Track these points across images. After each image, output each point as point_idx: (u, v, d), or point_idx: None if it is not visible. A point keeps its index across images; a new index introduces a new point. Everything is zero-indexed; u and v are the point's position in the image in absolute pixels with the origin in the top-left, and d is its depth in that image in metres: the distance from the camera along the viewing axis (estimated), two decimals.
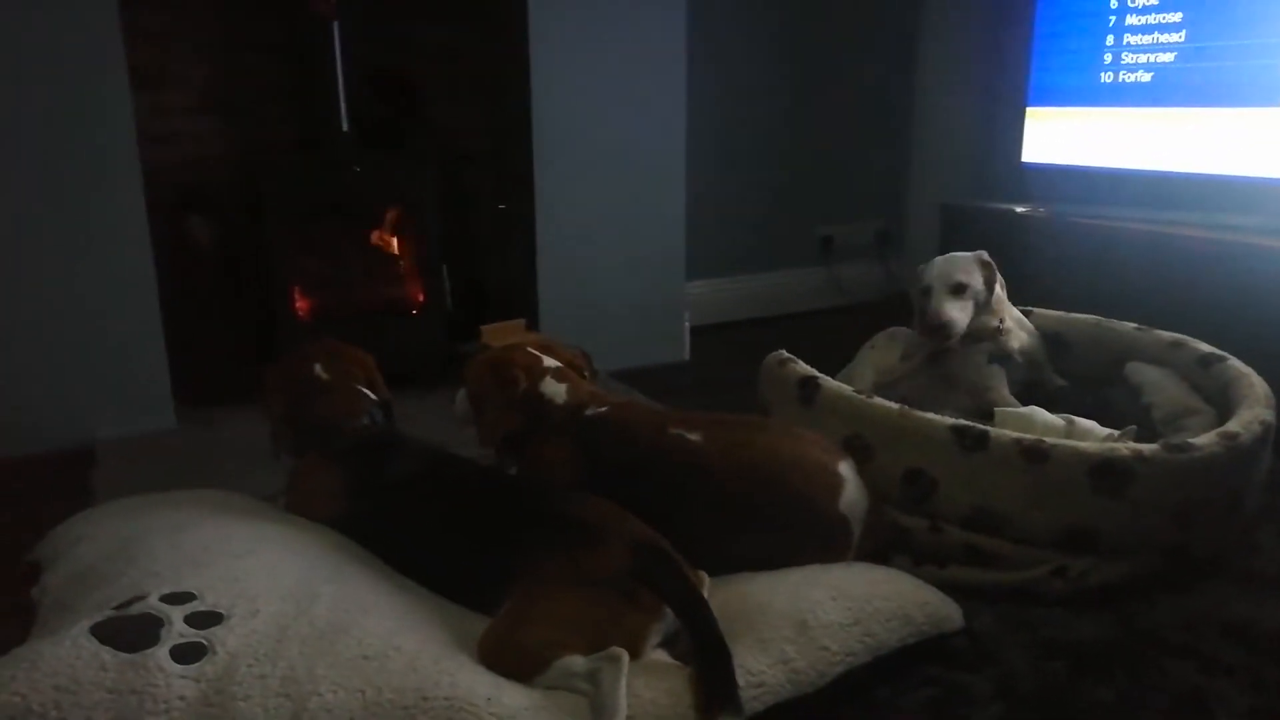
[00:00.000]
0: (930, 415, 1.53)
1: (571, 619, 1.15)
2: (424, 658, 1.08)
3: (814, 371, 1.71)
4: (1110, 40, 2.86)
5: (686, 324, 3.24)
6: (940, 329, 1.87)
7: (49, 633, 1.03)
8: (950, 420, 1.50)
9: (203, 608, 1.06)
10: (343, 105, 2.73)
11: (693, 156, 3.14)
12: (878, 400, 1.59)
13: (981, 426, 1.49)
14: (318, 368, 1.50)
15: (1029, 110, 3.12)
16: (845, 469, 1.46)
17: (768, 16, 3.58)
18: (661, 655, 1.19)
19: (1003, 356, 1.92)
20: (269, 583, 1.14)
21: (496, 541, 1.28)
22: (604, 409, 1.59)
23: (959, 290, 1.89)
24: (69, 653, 0.94)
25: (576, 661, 1.11)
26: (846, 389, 1.64)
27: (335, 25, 2.70)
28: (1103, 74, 2.88)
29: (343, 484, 1.42)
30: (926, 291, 1.91)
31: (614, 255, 3.06)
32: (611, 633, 1.14)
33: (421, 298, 2.88)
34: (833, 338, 2.35)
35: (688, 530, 1.34)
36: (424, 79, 2.98)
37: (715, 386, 2.96)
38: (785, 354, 1.82)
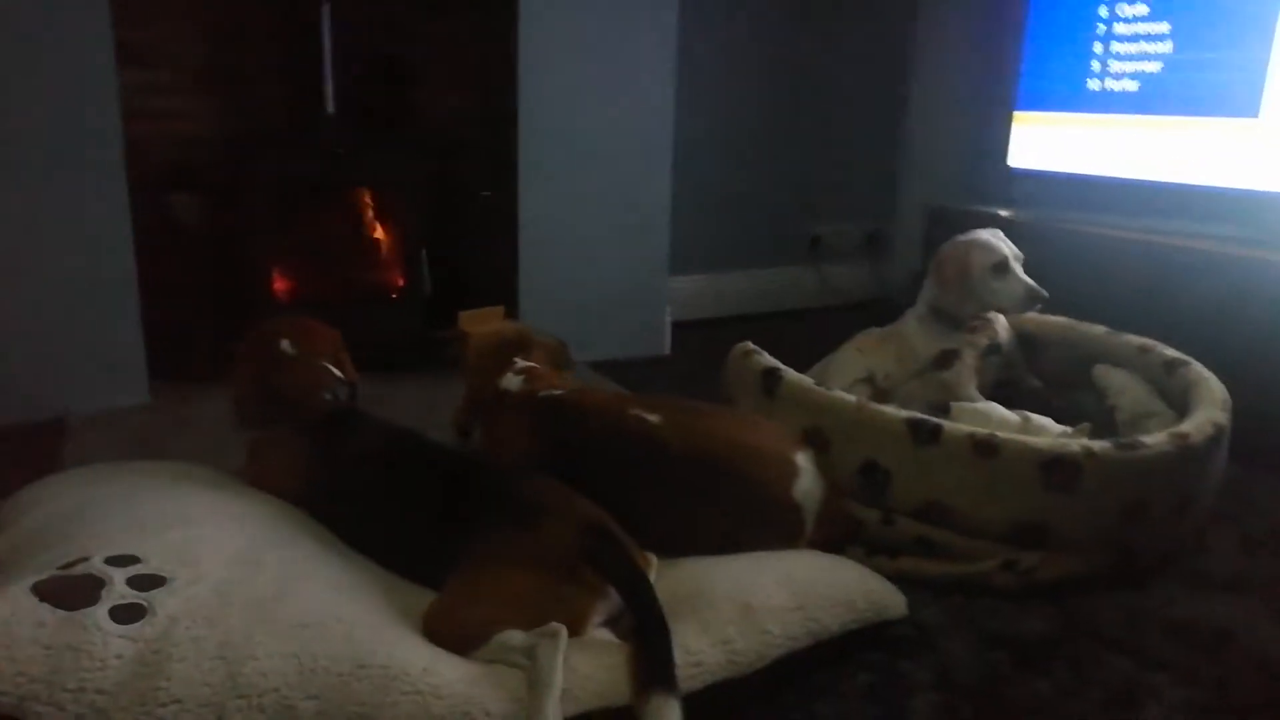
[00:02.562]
0: (887, 408, 1.55)
1: (513, 595, 1.16)
2: (362, 627, 1.09)
3: (777, 363, 1.73)
4: (1099, 48, 2.88)
5: (668, 318, 3.25)
6: (1040, 297, 1.91)
7: None
8: (905, 413, 1.52)
9: (146, 570, 1.07)
10: (330, 87, 2.74)
11: (683, 151, 3.15)
12: (837, 393, 1.60)
13: (936, 420, 1.50)
14: (285, 343, 1.51)
15: (1016, 115, 3.14)
16: (801, 458, 1.48)
17: (761, 14, 3.59)
18: (604, 634, 1.20)
19: (994, 348, 1.94)
20: (216, 550, 1.15)
21: (446, 518, 1.29)
22: (559, 391, 1.62)
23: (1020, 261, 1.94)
24: (6, 607, 0.95)
25: (515, 636, 1.12)
26: (808, 381, 1.66)
27: (326, 7, 2.71)
28: (1090, 81, 2.90)
29: (302, 458, 1.43)
30: (1000, 267, 1.92)
31: (597, 246, 3.06)
32: (553, 610, 1.15)
33: (401, 282, 2.89)
34: (818, 337, 2.36)
35: (641, 510, 1.35)
36: (416, 65, 2.99)
37: (693, 381, 2.96)
38: (750, 345, 1.83)
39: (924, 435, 1.48)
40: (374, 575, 1.26)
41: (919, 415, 1.52)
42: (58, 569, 1.05)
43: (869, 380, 2.02)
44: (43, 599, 0.98)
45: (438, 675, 1.05)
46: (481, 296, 3.05)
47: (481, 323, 3.01)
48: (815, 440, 1.56)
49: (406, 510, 1.35)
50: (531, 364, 1.71)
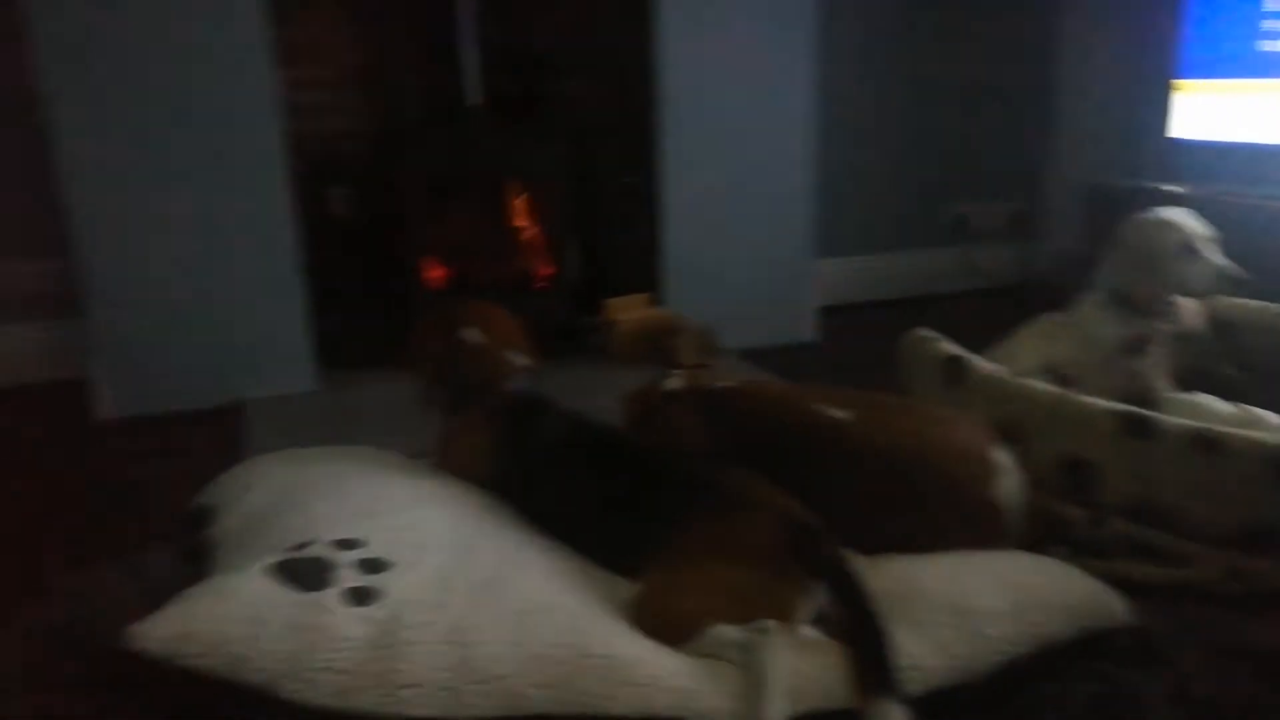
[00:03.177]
0: (1091, 399, 1.47)
1: (724, 589, 1.14)
2: (581, 617, 1.09)
3: (960, 350, 1.66)
4: (1269, 4, 2.67)
5: (814, 303, 3.19)
6: (1237, 279, 1.79)
7: (230, 570, 1.07)
8: (1114, 405, 1.43)
9: (369, 554, 1.09)
10: (472, 79, 2.77)
11: (825, 131, 3.08)
12: (1033, 383, 1.53)
13: (1147, 413, 1.41)
14: (470, 330, 1.52)
15: (1178, 83, 2.94)
16: (1000, 455, 1.41)
17: None
18: (810, 632, 1.17)
19: (1185, 334, 1.82)
20: (431, 535, 1.17)
21: (645, 508, 1.28)
22: (730, 382, 1.59)
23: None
24: (254, 587, 0.99)
25: (729, 630, 1.10)
26: (997, 369, 1.59)
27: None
28: (1260, 43, 2.69)
29: (492, 445, 1.44)
30: (1190, 247, 1.80)
31: (741, 231, 3.02)
32: (762, 604, 1.13)
33: (548, 271, 2.91)
34: (964, 321, 2.27)
35: (827, 509, 1.31)
36: (555, 52, 3.00)
37: (843, 368, 2.90)
38: (927, 331, 1.77)
39: (1136, 429, 1.39)
40: (574, 563, 1.26)
41: (1128, 407, 1.43)
42: (288, 550, 1.08)
43: (1050, 369, 1.93)
44: (282, 580, 1.01)
45: (658, 668, 1.04)
46: (624, 284, 3.05)
47: (628, 310, 3.02)
48: (1008, 433, 1.49)
49: (600, 498, 1.34)
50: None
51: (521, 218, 2.96)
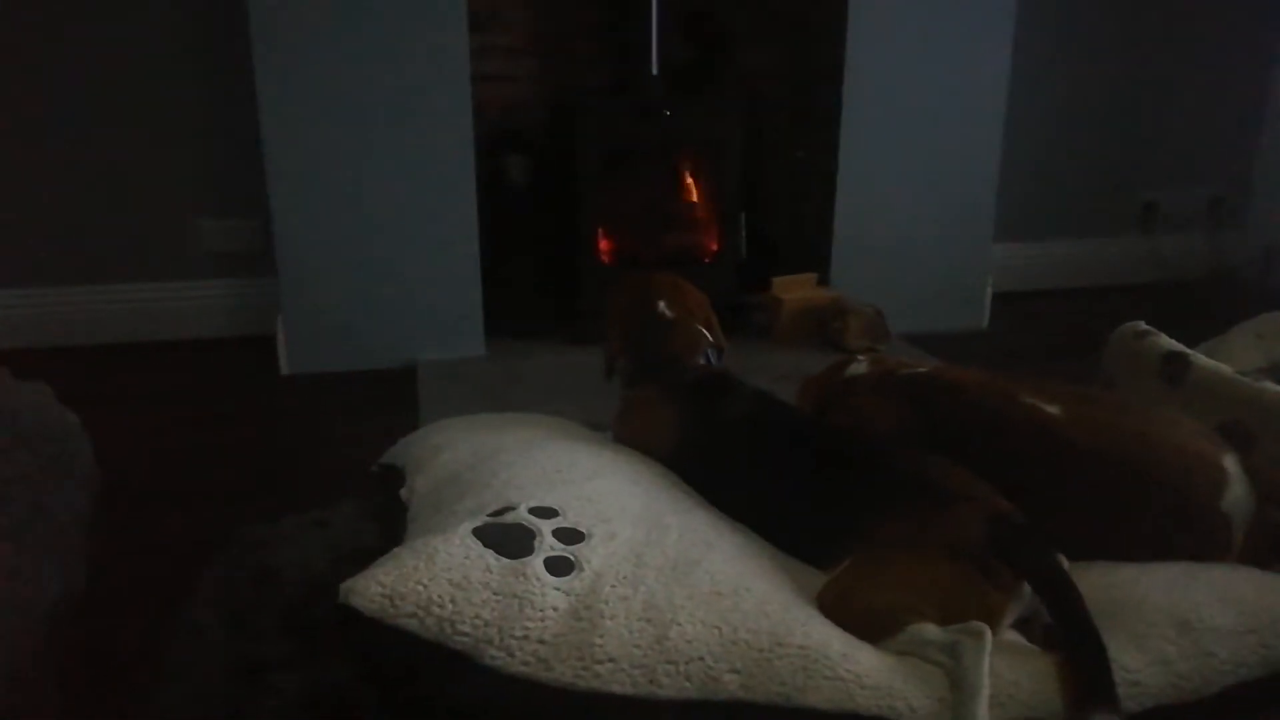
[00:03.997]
0: None
1: (924, 585, 1.08)
2: (774, 603, 1.06)
3: (1182, 347, 1.53)
4: None
5: (989, 290, 3.04)
6: None
7: (428, 531, 1.09)
8: None
9: (566, 524, 1.09)
10: (654, 48, 2.75)
11: (1011, 108, 2.91)
12: (1268, 384, 1.39)
13: None
14: (662, 303, 1.51)
15: None
16: (1229, 461, 1.28)
17: None
18: (1015, 637, 1.10)
19: None
20: (619, 507, 1.16)
21: (837, 494, 1.23)
22: (925, 369, 1.50)
23: None
24: (459, 551, 0.99)
25: (932, 630, 1.04)
26: (1225, 368, 1.45)
27: None
28: None
29: (677, 419, 1.42)
30: None
31: (917, 213, 2.91)
32: (967, 605, 1.06)
33: (715, 246, 2.88)
34: (1150, 315, 2.10)
35: (1034, 511, 1.22)
36: (736, 20, 2.95)
37: (1017, 359, 2.76)
38: (1143, 325, 1.63)
39: None
40: (763, 547, 1.23)
41: None
42: (489, 516, 1.08)
43: (1273, 370, 1.76)
44: (486, 545, 1.01)
45: (857, 662, 1.00)
46: (792, 261, 2.99)
47: (795, 289, 2.96)
48: (1234, 437, 1.36)
49: (788, 481, 1.30)
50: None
51: (693, 191, 2.93)
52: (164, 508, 2.03)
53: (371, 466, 1.54)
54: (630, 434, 1.48)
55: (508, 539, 1.03)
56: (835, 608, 1.10)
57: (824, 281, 2.91)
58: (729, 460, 1.38)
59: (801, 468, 1.31)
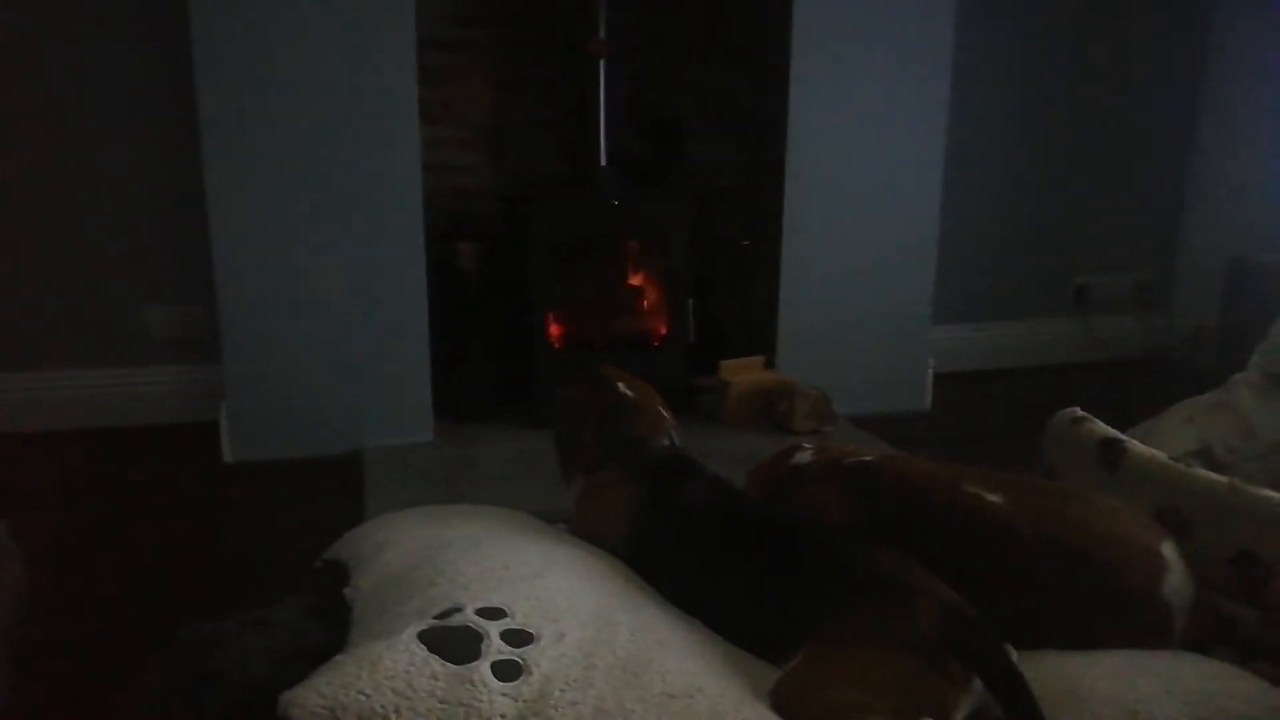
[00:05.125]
0: (1267, 491, 1.36)
1: (878, 680, 1.08)
2: (726, 703, 1.04)
3: (1117, 433, 1.57)
4: None
5: (930, 371, 3.10)
6: None
7: (373, 635, 1.06)
8: None
9: (514, 626, 1.07)
10: (603, 142, 2.81)
11: (945, 195, 3.02)
12: (1201, 471, 1.43)
13: None
14: (621, 385, 1.51)
15: None
16: (1168, 549, 1.31)
17: (1032, 55, 3.41)
18: None
19: None
20: (568, 606, 1.14)
21: (790, 586, 1.23)
22: (870, 458, 1.51)
23: None
24: (404, 657, 0.97)
25: None
26: (1160, 455, 1.49)
27: (601, 64, 2.80)
28: None
29: (636, 501, 1.42)
30: None
31: (859, 297, 2.98)
32: (920, 701, 1.06)
33: (665, 330, 2.91)
34: (1086, 395, 2.16)
35: (977, 600, 1.23)
36: (682, 118, 3.04)
37: (959, 439, 2.81)
38: (1079, 411, 1.68)
39: None
40: (717, 643, 1.21)
41: None
42: (434, 618, 1.06)
43: (1203, 453, 1.81)
44: (431, 650, 0.99)
45: None
46: (740, 345, 3.03)
47: (742, 372, 2.99)
48: (1171, 524, 1.39)
49: (744, 572, 1.30)
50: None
51: (642, 278, 2.97)
52: (97, 608, 1.96)
53: (315, 562, 1.50)
54: (591, 514, 1.47)
55: (454, 643, 1.01)
56: (789, 704, 1.09)
57: (771, 365, 2.95)
58: (685, 549, 1.37)
59: (759, 559, 1.30)
